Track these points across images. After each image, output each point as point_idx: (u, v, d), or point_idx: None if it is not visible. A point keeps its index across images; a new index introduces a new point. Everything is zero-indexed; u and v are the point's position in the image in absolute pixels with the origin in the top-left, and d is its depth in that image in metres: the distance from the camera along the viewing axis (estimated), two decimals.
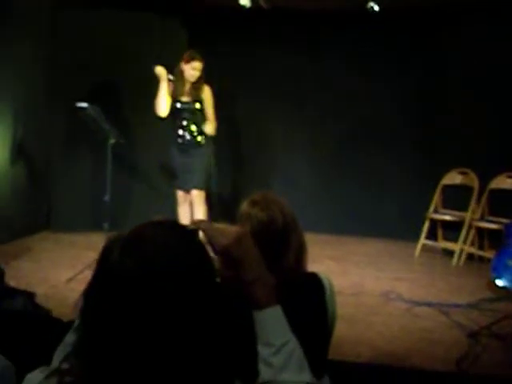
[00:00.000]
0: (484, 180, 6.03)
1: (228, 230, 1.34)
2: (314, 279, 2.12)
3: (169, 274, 1.04)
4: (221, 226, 1.41)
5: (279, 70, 7.03)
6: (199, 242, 1.17)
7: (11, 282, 4.39)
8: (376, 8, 5.66)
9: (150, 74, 6.28)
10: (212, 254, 1.36)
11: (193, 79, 5.44)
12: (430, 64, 6.62)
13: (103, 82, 6.56)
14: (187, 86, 5.47)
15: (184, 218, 5.71)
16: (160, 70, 5.41)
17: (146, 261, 1.04)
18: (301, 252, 2.10)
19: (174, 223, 1.20)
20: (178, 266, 1.06)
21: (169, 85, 5.47)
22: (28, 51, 6.18)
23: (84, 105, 4.95)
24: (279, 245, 2.02)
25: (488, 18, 6.01)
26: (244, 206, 2.11)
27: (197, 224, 1.40)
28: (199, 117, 5.49)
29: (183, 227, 1.19)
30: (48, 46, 6.44)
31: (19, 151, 6.18)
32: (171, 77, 5.43)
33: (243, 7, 5.86)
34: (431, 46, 6.58)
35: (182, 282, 1.05)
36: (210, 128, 5.48)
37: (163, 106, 5.45)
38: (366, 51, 6.76)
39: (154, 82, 5.66)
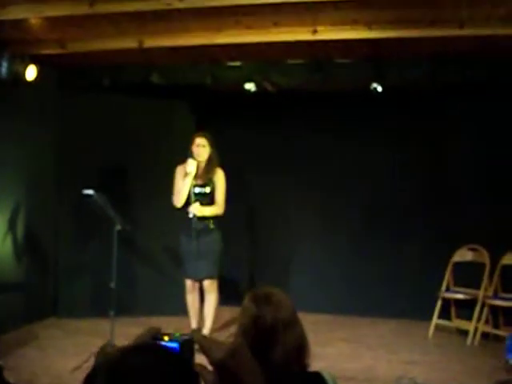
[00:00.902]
0: (495, 256, 5.95)
1: (222, 343, 1.32)
2: (318, 380, 2.06)
3: None
4: (214, 338, 1.39)
5: (288, 151, 7.13)
6: (185, 365, 1.14)
7: (15, 370, 4.31)
8: (379, 89, 5.73)
9: (157, 160, 6.42)
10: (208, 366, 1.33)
11: (200, 158, 5.46)
12: (440, 142, 6.67)
13: (111, 168, 6.65)
14: (200, 170, 5.49)
15: (192, 307, 5.62)
16: (193, 164, 5.42)
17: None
18: (300, 350, 2.05)
19: (158, 348, 1.17)
20: None
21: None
22: (38, 137, 6.31)
23: (90, 192, 4.99)
24: (265, 342, 1.98)
25: (490, 95, 6.09)
26: (245, 301, 2.11)
27: (191, 335, 1.39)
28: (211, 200, 5.48)
29: (167, 351, 1.16)
30: (57, 132, 6.56)
31: (26, 237, 6.21)
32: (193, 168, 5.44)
33: (248, 91, 5.96)
34: (440, 124, 6.65)
35: None
36: (211, 210, 5.45)
37: (183, 199, 5.45)
38: (376, 130, 6.83)
39: (161, 167, 5.74)
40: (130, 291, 6.47)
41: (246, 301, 2.10)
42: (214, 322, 5.58)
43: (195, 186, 5.47)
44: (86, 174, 6.25)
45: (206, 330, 5.45)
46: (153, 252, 6.73)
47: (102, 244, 5.81)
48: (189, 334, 1.47)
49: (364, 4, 4.31)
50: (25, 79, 5.64)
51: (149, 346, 1.16)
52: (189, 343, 1.44)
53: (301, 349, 2.06)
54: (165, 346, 1.20)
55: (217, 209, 5.49)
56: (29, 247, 6.27)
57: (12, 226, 6.00)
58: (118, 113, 6.59)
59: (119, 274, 5.48)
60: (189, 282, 5.57)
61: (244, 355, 1.30)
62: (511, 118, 6.03)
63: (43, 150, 6.45)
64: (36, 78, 5.75)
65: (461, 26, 4.66)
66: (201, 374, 1.37)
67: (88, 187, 5.21)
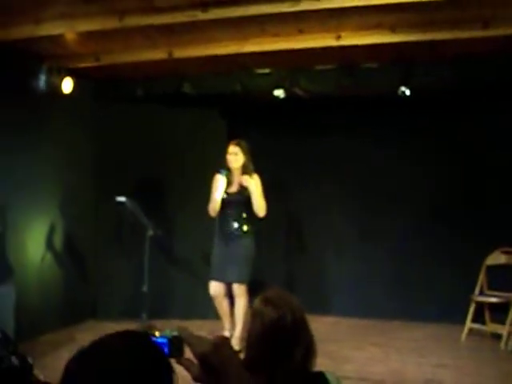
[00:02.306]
0: None
1: (206, 339, 1.39)
2: (321, 380, 2.11)
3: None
4: (201, 335, 1.46)
5: (320, 157, 7.18)
6: (158, 352, 1.23)
7: (48, 371, 4.47)
8: (407, 92, 5.73)
9: (190, 167, 6.55)
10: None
11: (233, 165, 5.53)
12: (471, 143, 6.62)
13: (146, 177, 6.83)
14: (235, 177, 5.59)
15: (221, 309, 5.66)
16: (221, 179, 5.51)
17: (101, 371, 1.11)
18: (309, 351, 2.10)
19: (135, 334, 1.26)
20: (131, 376, 1.12)
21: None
22: (76, 147, 6.54)
23: (122, 199, 5.15)
24: (287, 343, 2.04)
25: None
26: (256, 303, 2.17)
27: (179, 332, 1.47)
28: (245, 207, 5.54)
29: (142, 337, 1.25)
30: (94, 140, 6.77)
31: (67, 243, 6.44)
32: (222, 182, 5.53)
33: (277, 98, 6.04)
34: (470, 124, 6.61)
35: None
36: (260, 199, 5.49)
37: (216, 209, 5.54)
38: (408, 134, 6.83)
39: (195, 175, 5.86)
40: (164, 295, 6.61)
41: (259, 305, 2.14)
42: (246, 324, 5.64)
43: (228, 193, 5.57)
44: (123, 183, 6.42)
45: (237, 333, 5.49)
46: (187, 257, 6.87)
47: (138, 249, 5.97)
48: (178, 329, 1.55)
49: (387, 8, 4.33)
50: (62, 91, 5.85)
51: (128, 332, 1.25)
52: (177, 339, 1.52)
53: (311, 347, 2.13)
54: (140, 334, 1.29)
55: (261, 205, 5.51)
56: (69, 252, 6.50)
57: (53, 232, 6.24)
58: (152, 123, 6.76)
59: (154, 278, 5.63)
60: (212, 285, 5.59)
61: (227, 350, 1.38)
62: None
63: (80, 159, 6.66)
64: (72, 91, 5.96)
65: (485, 27, 4.65)
66: (188, 367, 1.44)
67: (122, 194, 5.38)
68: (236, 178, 5.59)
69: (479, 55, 5.29)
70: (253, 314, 2.13)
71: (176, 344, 1.62)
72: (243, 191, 5.55)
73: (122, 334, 1.23)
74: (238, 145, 5.57)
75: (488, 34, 4.65)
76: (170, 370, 1.23)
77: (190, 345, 1.42)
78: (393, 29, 4.83)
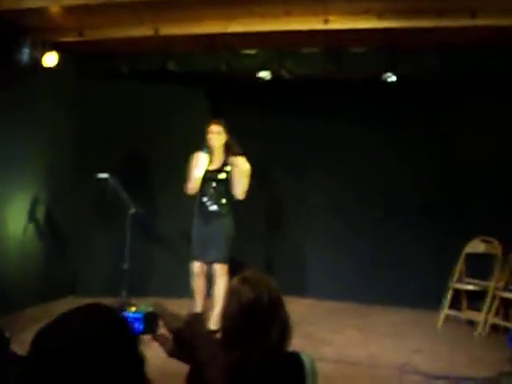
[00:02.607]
0: (508, 248, 5.93)
1: (180, 316, 1.41)
2: (295, 360, 2.12)
3: (84, 354, 1.11)
4: (175, 313, 1.48)
5: (302, 140, 7.16)
6: (123, 326, 1.24)
7: (26, 345, 4.46)
8: (393, 79, 5.74)
9: (173, 146, 6.52)
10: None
11: (215, 143, 5.48)
12: (453, 133, 6.66)
13: (128, 154, 6.79)
14: (215, 156, 5.55)
15: (199, 291, 5.64)
16: (203, 157, 5.46)
17: (64, 343, 1.11)
18: (285, 332, 2.12)
19: (98, 307, 1.27)
20: (94, 347, 1.13)
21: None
22: (57, 122, 6.48)
23: (104, 176, 5.13)
24: (263, 323, 2.06)
25: (504, 86, 6.04)
26: (234, 282, 2.19)
27: (154, 308, 1.49)
28: (225, 187, 5.51)
29: (109, 310, 1.26)
30: (76, 115, 6.69)
31: (47, 219, 6.41)
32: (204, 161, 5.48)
33: (263, 79, 6.01)
34: (454, 115, 6.63)
35: (98, 362, 1.12)
36: (240, 191, 5.44)
37: (195, 187, 5.51)
38: (390, 120, 6.83)
39: (177, 153, 5.84)
40: (145, 273, 6.63)
41: (237, 284, 2.16)
42: None
43: (209, 171, 5.52)
44: (105, 160, 6.38)
45: (216, 310, 5.38)
46: (169, 235, 6.87)
47: (118, 226, 5.96)
48: (153, 306, 1.56)
49: None
50: (45, 65, 5.78)
51: (90, 305, 1.26)
52: (152, 315, 1.53)
53: (287, 326, 2.14)
54: (108, 308, 1.29)
55: (243, 189, 5.45)
56: (50, 228, 6.47)
57: (33, 208, 6.19)
58: (136, 99, 6.70)
59: (134, 256, 5.62)
60: (196, 265, 5.58)
61: (199, 326, 1.40)
62: None
63: (63, 135, 6.60)
64: (56, 65, 5.89)
65: (473, 16, 4.65)
66: (162, 343, 1.46)
67: (104, 171, 5.36)
68: (217, 157, 5.55)
69: (466, 45, 5.30)
70: (230, 293, 2.14)
71: (151, 320, 1.64)
72: (224, 170, 5.52)
73: (89, 308, 1.23)
74: (219, 124, 5.53)
75: (475, 24, 4.65)
76: (135, 345, 1.24)
77: (164, 321, 1.44)
78: (380, 15, 4.82)
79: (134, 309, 1.53)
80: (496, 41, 5.12)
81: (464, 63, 5.46)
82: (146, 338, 1.50)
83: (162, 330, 1.47)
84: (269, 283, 2.15)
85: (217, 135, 5.51)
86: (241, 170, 5.46)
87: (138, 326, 1.56)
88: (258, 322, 2.03)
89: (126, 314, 1.53)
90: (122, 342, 1.19)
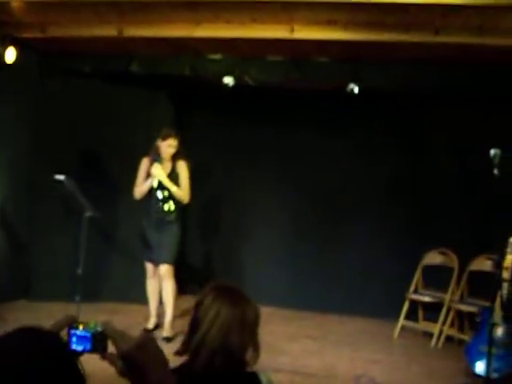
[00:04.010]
0: (464, 261, 6.02)
1: (130, 336, 1.36)
2: (254, 380, 2.05)
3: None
4: (125, 332, 1.42)
5: (260, 146, 7.14)
6: (62, 353, 1.19)
7: None
8: (356, 90, 5.77)
9: (134, 148, 6.44)
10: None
11: (167, 156, 5.58)
12: (412, 145, 6.73)
13: (87, 155, 6.67)
14: (163, 162, 5.58)
15: (152, 292, 5.77)
16: (158, 168, 5.49)
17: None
18: (256, 353, 2.03)
19: (35, 331, 1.21)
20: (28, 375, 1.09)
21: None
22: (14, 120, 6.31)
23: (61, 177, 5.02)
24: (240, 345, 1.95)
25: (464, 102, 6.14)
26: (209, 298, 2.00)
27: (103, 327, 1.43)
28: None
29: (47, 335, 1.21)
30: (36, 114, 6.55)
31: (2, 217, 6.24)
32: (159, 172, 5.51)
33: (226, 85, 5.98)
34: (414, 127, 6.71)
35: None
36: (179, 193, 5.53)
37: (143, 194, 5.60)
38: (349, 129, 6.86)
39: (138, 156, 5.78)
40: (100, 277, 6.52)
41: (214, 299, 1.98)
42: (175, 308, 5.65)
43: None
44: (62, 160, 6.27)
45: (168, 318, 5.58)
46: (125, 240, 6.76)
47: (74, 229, 5.84)
48: (102, 324, 1.51)
49: (340, 6, 4.33)
50: (4, 60, 5.63)
51: (30, 329, 1.20)
52: (101, 335, 1.48)
53: (259, 349, 2.04)
54: (46, 333, 1.24)
55: (181, 192, 5.55)
56: (3, 229, 6.30)
57: None
58: (98, 100, 6.58)
59: (90, 260, 5.52)
60: (149, 266, 5.72)
61: (151, 348, 1.35)
62: (484, 124, 6.06)
63: (21, 132, 6.44)
64: (16, 61, 5.75)
65: (436, 33, 4.71)
66: (112, 362, 1.41)
67: (62, 173, 5.24)
68: (165, 164, 5.61)
69: (429, 59, 5.36)
70: (205, 309, 1.96)
71: (99, 339, 1.57)
72: (173, 176, 5.57)
73: (24, 333, 1.18)
74: (176, 138, 5.59)
75: (438, 40, 4.71)
76: (73, 366, 1.20)
77: (113, 341, 1.39)
78: (345, 26, 4.84)
79: (81, 327, 1.48)
80: (457, 57, 5.20)
81: (427, 76, 5.53)
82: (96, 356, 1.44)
83: (112, 350, 1.42)
84: (249, 300, 2.04)
85: (173, 149, 5.58)
86: (182, 174, 5.58)
87: (86, 344, 1.50)
88: (251, 337, 1.93)
89: (73, 332, 1.47)
90: (58, 366, 1.14)
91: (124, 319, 5.92)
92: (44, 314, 5.99)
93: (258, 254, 7.26)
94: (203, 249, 7.44)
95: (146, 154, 5.68)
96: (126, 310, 6.33)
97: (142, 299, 6.00)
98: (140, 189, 5.61)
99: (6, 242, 6.39)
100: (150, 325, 5.75)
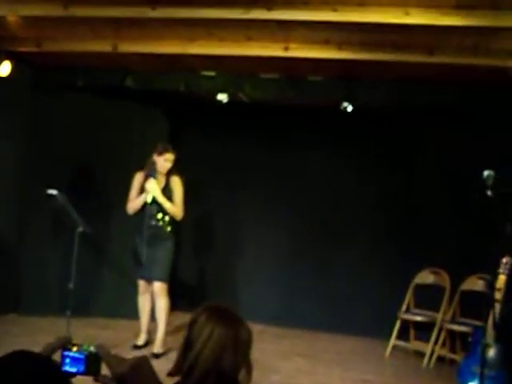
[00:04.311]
0: (456, 280, 6.02)
1: (124, 358, 1.35)
2: None
3: None
4: (118, 355, 1.42)
5: (253, 163, 7.14)
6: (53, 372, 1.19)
7: None
8: (349, 109, 5.80)
9: (127, 163, 6.43)
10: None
11: (164, 171, 5.54)
12: (405, 165, 6.74)
13: (80, 169, 6.65)
14: (158, 178, 5.56)
15: (143, 309, 5.72)
16: (153, 183, 5.45)
17: None
18: (248, 367, 2.01)
19: (28, 354, 1.20)
20: None
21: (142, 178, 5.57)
22: (7, 133, 6.31)
23: (53, 192, 4.99)
24: (233, 366, 1.94)
25: (457, 122, 6.18)
26: (203, 318, 1.96)
27: (97, 349, 1.42)
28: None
29: (35, 358, 1.20)
30: (29, 127, 6.52)
31: None
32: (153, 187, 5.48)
33: (220, 102, 6.00)
34: (406, 146, 6.73)
35: None
36: (173, 209, 5.50)
37: (136, 209, 5.55)
38: (342, 148, 6.88)
39: (131, 171, 5.77)
40: (91, 292, 6.47)
41: (208, 319, 1.94)
42: (167, 325, 5.59)
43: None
44: (54, 174, 6.22)
45: (159, 334, 5.51)
46: (116, 255, 6.73)
47: (66, 244, 5.81)
48: (96, 347, 1.50)
49: (334, 25, 4.36)
50: None
51: (25, 353, 1.19)
52: (95, 356, 1.47)
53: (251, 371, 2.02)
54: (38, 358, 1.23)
55: (174, 208, 5.52)
56: None
57: None
58: (91, 114, 6.57)
59: (81, 275, 5.48)
60: (141, 283, 5.66)
61: (145, 370, 1.34)
62: (475, 144, 6.10)
63: (14, 146, 6.42)
64: (10, 74, 5.75)
65: (430, 53, 4.75)
66: None
67: (54, 187, 5.21)
68: (159, 178, 5.57)
69: (423, 79, 5.40)
70: (199, 329, 1.92)
71: (93, 361, 1.56)
72: (166, 191, 5.54)
73: (15, 358, 1.17)
74: (174, 153, 5.56)
75: (433, 61, 4.75)
76: None
77: (108, 364, 1.38)
78: (339, 46, 4.87)
79: (75, 348, 1.46)
80: (451, 77, 5.24)
81: (420, 96, 5.57)
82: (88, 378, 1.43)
83: (105, 372, 1.41)
84: (242, 320, 2.03)
85: (170, 163, 5.54)
86: (176, 190, 5.55)
87: (79, 366, 1.49)
88: (245, 358, 1.92)
89: (66, 353, 1.45)
90: None
91: (114, 335, 5.88)
92: (34, 328, 5.97)
93: (250, 271, 7.24)
94: (196, 265, 7.42)
95: (139, 168, 5.64)
96: (116, 325, 6.29)
97: (132, 315, 5.95)
98: (133, 204, 5.58)
99: None
100: (140, 341, 5.71)
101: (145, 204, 5.50)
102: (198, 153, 7.05)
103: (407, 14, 3.94)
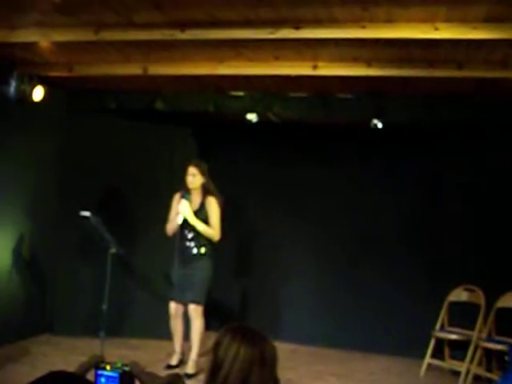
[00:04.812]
0: (491, 297, 5.91)
1: (158, 376, 1.35)
2: None
3: None
4: (152, 372, 1.42)
5: (288, 183, 7.16)
6: None
7: None
8: (379, 125, 5.78)
9: (158, 185, 6.50)
10: None
11: (191, 186, 5.54)
12: (438, 180, 6.68)
13: (113, 191, 6.74)
14: (194, 197, 5.57)
15: (176, 331, 5.72)
16: (185, 205, 5.47)
17: None
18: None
19: (64, 374, 1.22)
20: None
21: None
22: (42, 156, 6.43)
23: (87, 214, 5.06)
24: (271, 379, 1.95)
25: (488, 137, 6.11)
26: (227, 338, 1.98)
27: (130, 366, 1.43)
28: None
29: (71, 378, 1.21)
30: (63, 151, 6.64)
31: (26, 254, 6.29)
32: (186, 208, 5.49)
33: (250, 122, 6.04)
34: (437, 161, 6.68)
35: None
36: (208, 231, 5.49)
37: (173, 229, 5.58)
38: (374, 166, 6.87)
39: (162, 192, 5.82)
40: (124, 313, 6.51)
41: (231, 340, 1.95)
42: (201, 346, 5.59)
43: None
44: (87, 196, 6.33)
45: (193, 356, 5.51)
46: (148, 276, 6.79)
47: (99, 265, 5.87)
48: (129, 365, 1.51)
49: (364, 43, 4.36)
50: (32, 99, 5.75)
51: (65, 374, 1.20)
52: (128, 374, 1.48)
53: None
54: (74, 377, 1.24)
55: (211, 231, 5.51)
56: (29, 263, 6.36)
57: (12, 242, 6.09)
58: (123, 137, 6.68)
59: (114, 296, 5.54)
60: (172, 306, 5.64)
61: None
62: (508, 159, 6.03)
63: (49, 169, 6.54)
64: (43, 99, 5.86)
65: (459, 68, 4.72)
66: None
67: (87, 209, 5.29)
68: (195, 198, 5.59)
69: (452, 94, 5.37)
70: (225, 349, 1.93)
71: (126, 379, 1.58)
72: (202, 212, 5.54)
73: (51, 378, 1.18)
74: (196, 166, 5.57)
75: (462, 75, 4.72)
76: None
77: (141, 381, 1.39)
78: (368, 62, 4.87)
79: (108, 367, 1.47)
80: (480, 91, 5.19)
81: (449, 112, 5.53)
82: None
83: None
84: (266, 339, 2.03)
85: (192, 177, 5.56)
86: (211, 211, 5.53)
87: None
88: (272, 376, 1.92)
89: (100, 372, 1.47)
90: None
91: (146, 355, 5.90)
92: (67, 348, 6.03)
93: (282, 291, 7.21)
94: (232, 285, 7.38)
95: (177, 189, 5.67)
96: (148, 345, 6.31)
97: (164, 335, 5.97)
98: (170, 225, 5.61)
99: (32, 276, 6.44)
100: (174, 361, 5.70)
101: (181, 224, 5.50)
102: (228, 173, 7.08)
103: (436, 29, 3.91)
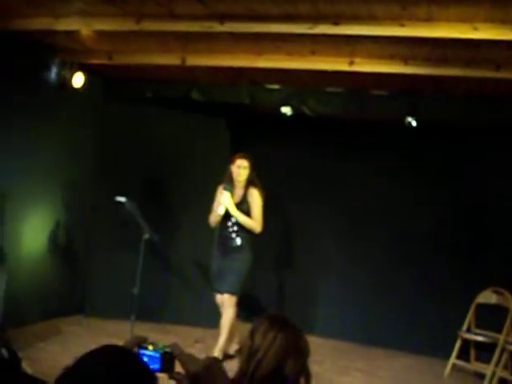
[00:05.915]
0: None
1: (197, 358, 1.42)
2: None
3: None
4: (192, 355, 1.49)
5: (320, 177, 7.17)
6: (142, 369, 1.25)
7: (34, 362, 4.44)
8: (414, 123, 5.76)
9: (192, 173, 6.57)
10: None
11: (240, 178, 5.55)
12: (471, 181, 6.61)
13: (147, 178, 6.85)
14: (237, 190, 5.61)
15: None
16: (227, 196, 5.48)
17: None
18: (307, 375, 2.07)
19: (116, 350, 1.27)
20: None
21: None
22: (79, 141, 6.59)
23: (122, 199, 5.16)
24: (296, 371, 2.00)
25: None
26: (265, 325, 2.02)
27: (171, 348, 1.50)
28: None
29: (126, 353, 1.27)
30: (99, 137, 6.77)
31: (61, 236, 6.45)
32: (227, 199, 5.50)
33: (284, 115, 6.07)
34: (471, 162, 6.62)
35: None
36: (249, 223, 5.52)
37: (216, 221, 5.60)
38: (408, 163, 6.84)
39: (196, 181, 5.87)
40: (154, 298, 6.60)
41: (269, 327, 2.00)
42: (235, 335, 5.65)
43: None
44: (123, 183, 6.43)
45: (220, 342, 5.53)
46: (181, 263, 6.88)
47: (132, 250, 5.97)
48: (170, 346, 1.58)
49: (400, 40, 4.37)
50: (72, 85, 5.86)
51: (110, 348, 1.27)
52: (169, 354, 1.55)
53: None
54: (124, 350, 1.30)
55: (253, 222, 5.54)
56: (63, 245, 6.53)
57: (49, 224, 6.26)
58: (158, 125, 6.78)
59: (145, 280, 5.63)
60: (218, 296, 5.69)
61: (217, 370, 1.40)
62: None
63: (84, 154, 6.68)
64: (83, 86, 5.98)
65: (497, 68, 4.69)
66: (179, 381, 1.47)
67: (122, 195, 5.39)
68: (238, 190, 5.62)
69: (488, 95, 5.33)
70: (262, 335, 1.99)
71: (167, 359, 1.65)
72: (244, 204, 5.57)
73: (106, 351, 1.24)
74: (246, 158, 5.59)
75: (499, 76, 4.69)
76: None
77: (181, 363, 1.45)
78: (405, 60, 4.87)
79: (151, 347, 1.53)
80: None
81: (484, 113, 5.49)
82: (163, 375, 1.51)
83: (178, 369, 1.48)
84: (300, 331, 2.08)
85: (243, 170, 5.56)
86: (254, 203, 5.54)
87: (155, 364, 1.57)
88: (290, 370, 1.97)
89: (143, 352, 1.54)
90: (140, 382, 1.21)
91: (175, 340, 5.96)
92: (98, 330, 6.17)
93: (311, 285, 7.25)
94: (268, 277, 7.41)
95: (220, 181, 5.68)
96: (178, 331, 6.38)
97: (194, 321, 6.04)
98: (212, 216, 5.64)
99: (66, 257, 6.59)
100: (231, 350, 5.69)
101: (223, 216, 5.54)
102: (260, 165, 7.12)
103: (475, 29, 3.90)
